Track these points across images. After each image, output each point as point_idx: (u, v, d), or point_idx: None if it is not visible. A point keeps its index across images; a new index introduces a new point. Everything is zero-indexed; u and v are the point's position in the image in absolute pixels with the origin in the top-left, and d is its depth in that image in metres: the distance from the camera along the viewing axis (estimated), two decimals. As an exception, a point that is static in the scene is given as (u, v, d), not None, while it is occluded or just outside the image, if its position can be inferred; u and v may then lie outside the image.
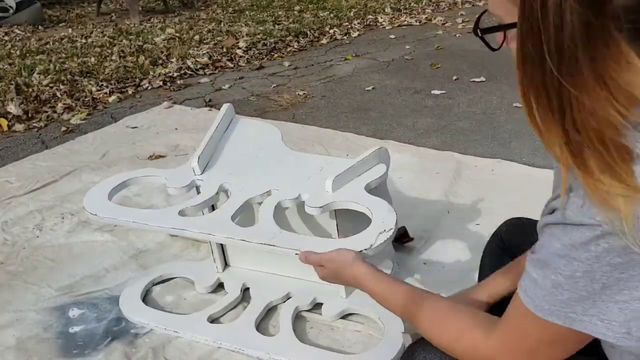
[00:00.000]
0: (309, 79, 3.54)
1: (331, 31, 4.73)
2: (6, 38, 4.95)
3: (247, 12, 5.78)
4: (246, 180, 1.39)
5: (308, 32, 4.64)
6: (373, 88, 3.26)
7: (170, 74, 3.67)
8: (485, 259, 1.20)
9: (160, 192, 2.05)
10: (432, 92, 3.12)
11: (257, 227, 1.24)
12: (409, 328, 1.30)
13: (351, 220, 1.33)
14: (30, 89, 3.27)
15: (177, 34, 4.73)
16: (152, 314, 1.45)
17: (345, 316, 1.42)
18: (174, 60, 3.91)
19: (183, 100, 3.22)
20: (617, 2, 0.56)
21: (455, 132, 2.56)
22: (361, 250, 1.08)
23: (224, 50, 4.18)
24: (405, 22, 5.02)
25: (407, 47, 4.15)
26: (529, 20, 0.58)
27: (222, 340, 1.35)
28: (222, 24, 5.13)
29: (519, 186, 2.01)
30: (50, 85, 3.40)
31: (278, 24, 5.00)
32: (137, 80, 3.57)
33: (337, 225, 1.35)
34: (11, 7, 5.50)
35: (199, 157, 1.42)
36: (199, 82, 3.57)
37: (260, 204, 1.33)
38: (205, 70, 3.79)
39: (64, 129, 2.82)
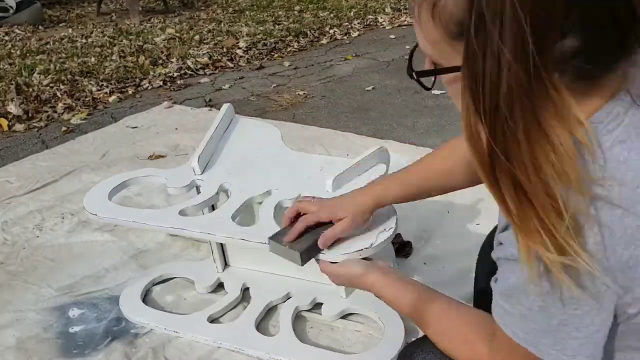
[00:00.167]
0: (309, 79, 3.54)
1: (331, 31, 4.73)
2: (6, 38, 4.95)
3: (247, 12, 5.78)
4: (246, 180, 1.39)
5: (308, 32, 4.64)
6: (373, 88, 3.26)
7: (170, 74, 3.67)
8: (479, 264, 1.21)
9: (161, 192, 2.05)
10: (432, 92, 3.12)
11: (257, 227, 1.25)
12: (410, 327, 1.31)
13: None
14: (31, 89, 3.27)
15: (177, 34, 4.73)
16: (152, 314, 1.45)
17: (345, 316, 1.42)
18: (174, 60, 3.91)
19: (183, 100, 3.22)
20: (560, 48, 0.53)
21: (455, 132, 2.55)
22: (365, 258, 1.07)
23: (224, 50, 4.18)
24: (406, 22, 5.02)
25: (407, 47, 4.15)
26: (472, 74, 0.54)
27: (222, 340, 1.35)
28: (222, 24, 5.13)
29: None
30: (51, 85, 3.40)
31: (278, 24, 5.00)
32: (137, 80, 3.57)
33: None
34: (11, 7, 5.50)
35: (199, 157, 1.42)
36: (199, 82, 3.57)
37: (260, 203, 1.33)
38: (205, 70, 3.79)
39: (64, 129, 2.82)
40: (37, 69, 3.71)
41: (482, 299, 1.00)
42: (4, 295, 1.58)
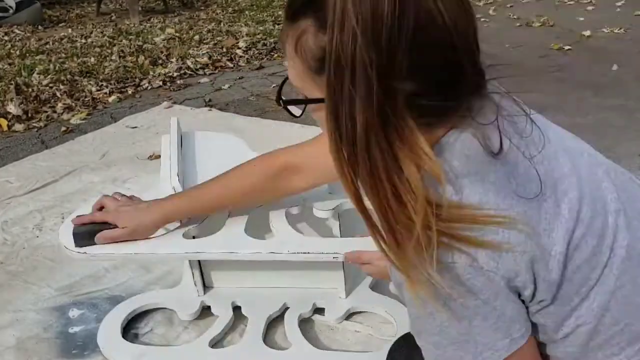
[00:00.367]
0: (308, 79, 3.54)
1: (331, 31, 4.73)
2: (6, 38, 4.95)
3: (247, 12, 5.78)
4: None
5: (308, 32, 4.64)
6: (373, 88, 3.25)
7: (170, 74, 3.67)
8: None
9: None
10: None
11: (278, 237, 1.20)
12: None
13: (353, 220, 1.31)
14: (30, 89, 3.27)
15: (177, 34, 4.73)
16: (140, 351, 1.31)
17: (349, 316, 1.38)
18: (173, 60, 3.91)
19: (183, 100, 3.22)
20: (402, 92, 0.57)
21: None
22: None
23: (224, 50, 4.18)
24: (405, 22, 5.02)
25: (407, 47, 4.15)
26: (333, 110, 0.58)
27: None
28: (222, 24, 5.13)
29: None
30: (50, 85, 3.40)
31: (278, 24, 5.00)
32: (137, 80, 3.57)
33: (339, 225, 1.34)
34: (11, 7, 5.50)
35: (177, 175, 1.33)
36: (199, 82, 3.57)
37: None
38: (205, 70, 3.79)
39: (63, 129, 2.82)
40: (36, 69, 3.71)
41: None
42: (3, 295, 1.58)
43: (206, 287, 1.46)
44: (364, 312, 1.40)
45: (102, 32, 5.00)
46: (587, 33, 4.03)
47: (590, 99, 2.82)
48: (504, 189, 0.63)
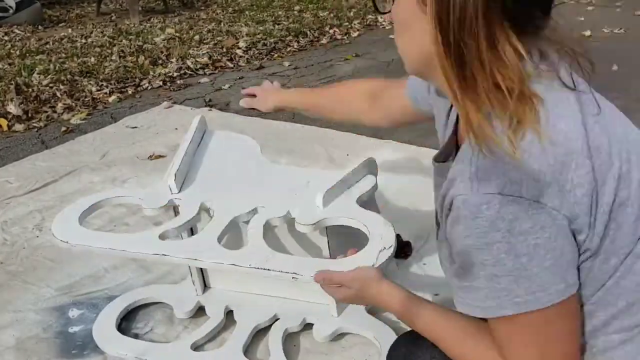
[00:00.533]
0: (309, 79, 3.54)
1: (331, 31, 4.73)
2: (6, 38, 4.95)
3: (247, 12, 5.78)
4: (229, 197, 1.29)
5: (308, 32, 4.64)
6: (373, 88, 3.25)
7: (170, 74, 3.67)
8: None
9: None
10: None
11: (247, 250, 1.16)
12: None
13: (342, 236, 1.26)
14: (30, 89, 3.27)
15: (177, 34, 4.73)
16: (129, 344, 1.34)
17: (337, 336, 1.34)
18: (173, 60, 3.91)
19: (183, 100, 3.22)
20: None
21: (455, 132, 2.56)
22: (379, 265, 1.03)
23: (224, 50, 4.18)
24: (405, 22, 5.02)
25: (407, 47, 4.15)
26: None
27: None
28: (222, 24, 5.13)
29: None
30: (50, 85, 3.40)
31: (278, 24, 5.00)
32: (137, 80, 3.57)
33: (328, 242, 1.28)
34: (11, 7, 5.50)
35: (175, 175, 1.31)
36: (199, 82, 3.57)
37: (246, 222, 1.24)
38: (205, 70, 3.79)
39: (63, 129, 2.82)
40: (36, 69, 3.71)
41: None
42: (3, 295, 1.58)
43: (206, 287, 1.47)
44: (353, 334, 1.35)
45: (102, 32, 5.00)
46: (587, 33, 4.03)
47: (591, 99, 2.81)
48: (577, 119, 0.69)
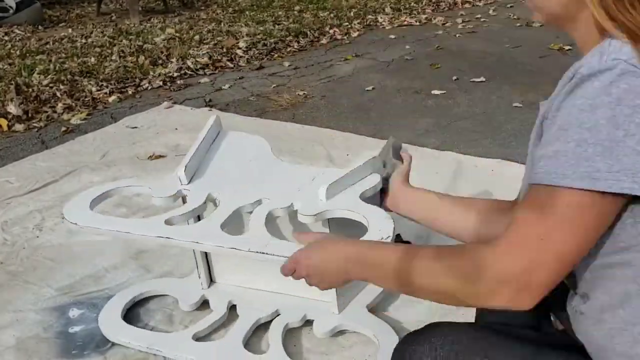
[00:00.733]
0: (309, 79, 3.54)
1: (331, 31, 4.73)
2: (6, 38, 4.96)
3: (247, 12, 5.78)
4: (235, 189, 1.33)
5: (308, 32, 4.64)
6: (373, 88, 3.26)
7: (170, 74, 3.67)
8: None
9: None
10: (432, 92, 3.12)
11: (247, 236, 1.19)
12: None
13: (344, 230, 1.27)
14: (30, 89, 3.27)
15: (177, 34, 4.73)
16: (132, 332, 1.38)
17: (337, 333, 1.36)
18: (174, 60, 3.91)
19: (183, 100, 3.22)
20: None
21: (455, 132, 2.56)
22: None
23: (224, 50, 4.18)
24: (405, 22, 5.02)
25: (407, 47, 4.15)
26: None
27: (208, 359, 1.29)
28: (222, 24, 5.13)
29: (518, 186, 2.00)
30: (50, 85, 3.40)
31: (278, 24, 5.00)
32: (137, 80, 3.57)
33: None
34: (11, 7, 5.50)
35: (185, 167, 1.35)
36: (199, 82, 3.57)
37: (250, 213, 1.26)
38: (205, 70, 3.79)
39: (64, 129, 2.82)
40: (36, 69, 3.71)
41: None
42: (4, 295, 1.58)
43: (212, 281, 1.51)
44: (353, 332, 1.36)
45: (102, 32, 5.01)
46: None
47: (590, 99, 2.82)
48: None
